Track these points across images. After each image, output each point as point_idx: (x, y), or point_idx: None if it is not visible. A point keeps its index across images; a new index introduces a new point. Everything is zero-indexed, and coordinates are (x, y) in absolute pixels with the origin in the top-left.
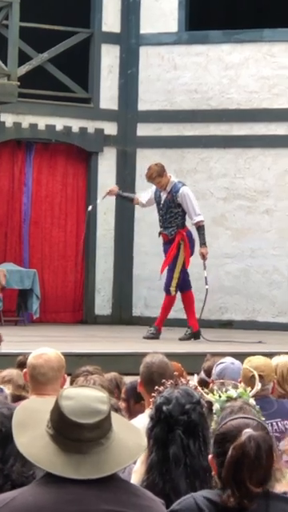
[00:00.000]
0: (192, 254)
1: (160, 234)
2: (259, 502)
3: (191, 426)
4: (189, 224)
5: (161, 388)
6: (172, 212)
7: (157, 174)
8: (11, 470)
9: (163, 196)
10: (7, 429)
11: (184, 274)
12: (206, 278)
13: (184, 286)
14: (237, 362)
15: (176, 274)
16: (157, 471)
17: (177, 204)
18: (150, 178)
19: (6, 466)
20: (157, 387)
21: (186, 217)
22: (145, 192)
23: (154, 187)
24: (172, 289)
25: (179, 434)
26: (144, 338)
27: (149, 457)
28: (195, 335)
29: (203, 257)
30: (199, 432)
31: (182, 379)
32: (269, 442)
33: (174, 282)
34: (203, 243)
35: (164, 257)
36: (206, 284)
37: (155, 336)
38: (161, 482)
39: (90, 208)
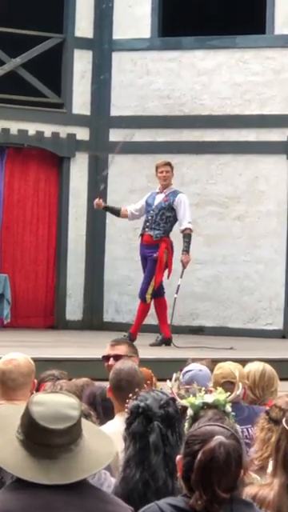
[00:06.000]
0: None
1: (142, 235)
2: (224, 506)
3: (169, 417)
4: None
5: (136, 393)
6: (164, 215)
7: (171, 168)
8: None
9: (157, 198)
10: None
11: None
12: (178, 286)
13: (158, 292)
14: (204, 368)
15: (153, 282)
16: (133, 462)
17: (171, 208)
18: (167, 164)
19: None
20: (131, 394)
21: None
22: (134, 205)
23: (146, 196)
24: (148, 296)
25: (158, 424)
26: None
27: (126, 452)
28: (166, 341)
29: (183, 264)
30: (175, 424)
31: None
32: (239, 452)
33: (151, 290)
34: (186, 251)
35: (140, 260)
36: (176, 293)
37: None
38: (138, 473)
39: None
